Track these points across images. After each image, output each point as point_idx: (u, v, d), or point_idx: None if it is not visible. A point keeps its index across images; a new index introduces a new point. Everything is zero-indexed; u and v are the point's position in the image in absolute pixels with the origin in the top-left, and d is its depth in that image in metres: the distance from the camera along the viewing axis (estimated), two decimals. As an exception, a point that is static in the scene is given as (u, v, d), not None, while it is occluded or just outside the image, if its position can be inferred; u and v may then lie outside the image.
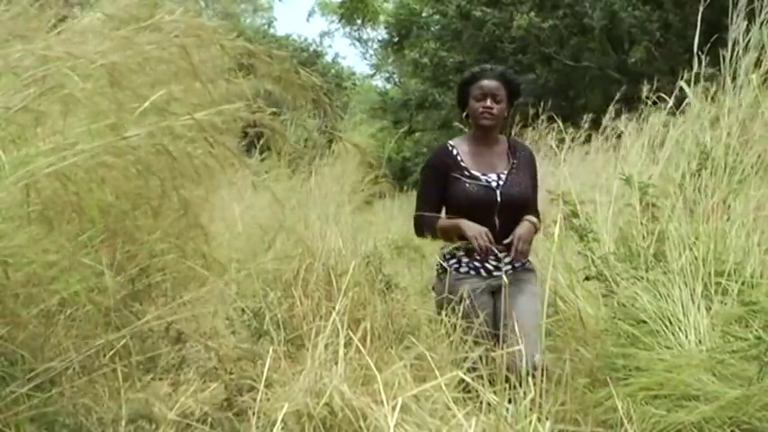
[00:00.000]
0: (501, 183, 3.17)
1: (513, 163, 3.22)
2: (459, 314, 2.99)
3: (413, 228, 3.41)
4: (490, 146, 3.24)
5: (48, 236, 2.41)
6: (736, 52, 4.73)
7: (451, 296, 3.06)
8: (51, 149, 2.38)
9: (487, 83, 3.17)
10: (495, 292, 3.16)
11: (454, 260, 3.20)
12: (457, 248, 3.16)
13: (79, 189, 2.44)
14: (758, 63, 4.69)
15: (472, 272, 3.17)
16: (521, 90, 3.32)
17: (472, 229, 3.06)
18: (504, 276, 2.83)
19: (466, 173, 3.17)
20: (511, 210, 3.12)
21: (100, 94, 2.60)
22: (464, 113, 3.27)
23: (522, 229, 3.10)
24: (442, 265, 3.25)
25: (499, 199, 3.13)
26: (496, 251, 3.08)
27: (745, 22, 4.72)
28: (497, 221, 3.12)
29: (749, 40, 4.68)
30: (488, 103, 3.15)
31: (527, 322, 2.93)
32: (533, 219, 3.16)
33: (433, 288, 3.37)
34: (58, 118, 2.52)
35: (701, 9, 4.81)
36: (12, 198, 2.30)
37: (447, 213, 3.27)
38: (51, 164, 2.31)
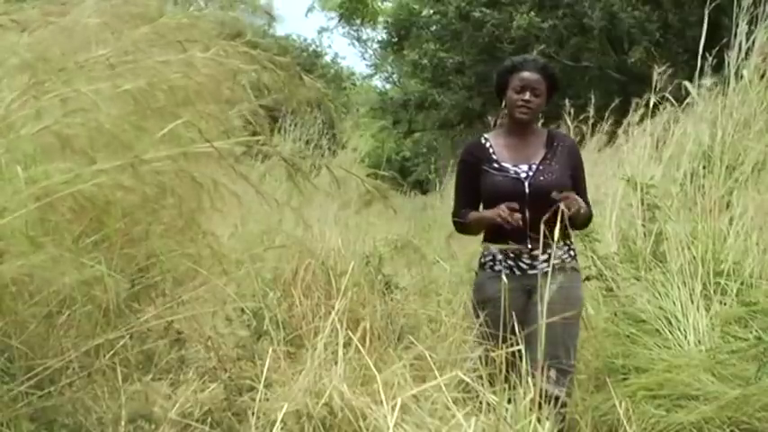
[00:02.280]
0: (530, 174, 3.07)
1: (547, 153, 3.11)
2: (487, 314, 2.91)
3: (453, 226, 3.32)
4: (526, 137, 3.15)
5: (51, 237, 2.41)
6: (739, 53, 4.74)
7: (486, 295, 2.99)
8: (67, 167, 2.37)
9: (528, 75, 3.08)
10: (530, 292, 3.01)
11: (489, 258, 3.13)
12: (493, 246, 3.06)
13: (95, 207, 2.45)
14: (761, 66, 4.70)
15: (506, 270, 3.05)
16: (560, 84, 3.24)
17: (492, 212, 2.97)
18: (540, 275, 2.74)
19: (495, 165, 3.10)
20: (541, 201, 2.92)
21: (125, 120, 2.60)
22: (502, 103, 3.20)
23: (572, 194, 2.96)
24: (479, 261, 3.19)
25: (527, 190, 3.03)
26: (519, 219, 2.92)
27: (747, 25, 4.72)
28: (528, 213, 2.96)
29: (753, 42, 4.69)
30: (527, 96, 3.07)
31: (559, 352, 2.89)
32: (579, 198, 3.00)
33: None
34: (83, 143, 2.51)
35: (706, 12, 4.81)
36: (26, 214, 2.29)
37: (483, 207, 3.16)
38: (67, 182, 2.31)
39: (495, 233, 3.03)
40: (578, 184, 3.15)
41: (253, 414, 2.70)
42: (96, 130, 2.50)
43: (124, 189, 2.51)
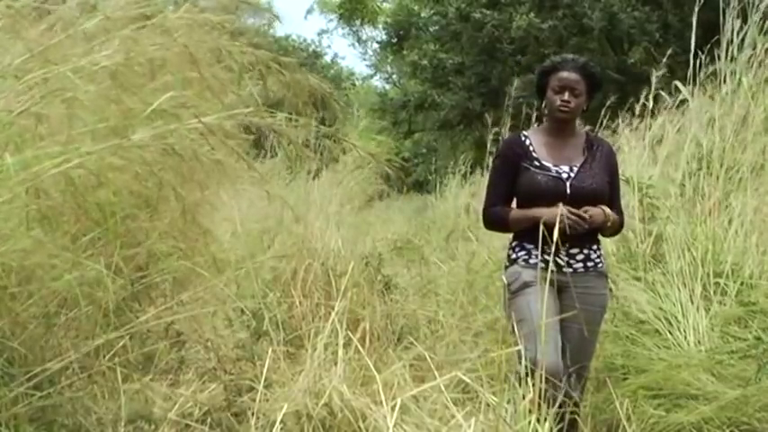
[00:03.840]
0: (572, 175, 3.05)
1: (588, 156, 3.10)
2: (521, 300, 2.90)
3: (482, 221, 3.27)
4: (566, 138, 3.14)
5: (50, 236, 2.41)
6: (730, 51, 4.74)
7: (524, 280, 2.94)
8: (57, 152, 2.37)
9: (567, 75, 3.06)
10: (560, 289, 3.00)
11: (524, 252, 3.08)
12: (527, 242, 3.04)
13: (85, 191, 2.44)
14: (751, 61, 4.71)
15: (541, 264, 2.97)
16: (602, 82, 3.20)
17: (548, 214, 2.90)
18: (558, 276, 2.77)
19: (536, 163, 3.07)
20: (581, 203, 2.97)
21: (104, 97, 2.60)
22: (542, 103, 3.17)
23: (595, 209, 2.97)
24: (509, 257, 3.15)
25: (569, 191, 3.01)
26: (581, 214, 2.92)
27: (739, 21, 4.72)
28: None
29: (743, 39, 4.69)
30: (566, 96, 3.04)
31: (581, 356, 2.92)
32: (607, 209, 3.00)
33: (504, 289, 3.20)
34: (62, 121, 2.51)
35: (695, 9, 4.80)
36: (16, 200, 2.30)
37: (517, 203, 3.13)
38: (57, 165, 2.30)
39: (532, 231, 2.91)
40: (613, 191, 3.15)
41: (253, 414, 2.71)
42: (77, 107, 2.50)
43: (114, 169, 2.50)
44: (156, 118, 2.61)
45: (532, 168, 3.04)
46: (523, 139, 3.14)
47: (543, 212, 2.93)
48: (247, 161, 3.39)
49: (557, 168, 3.05)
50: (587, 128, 3.36)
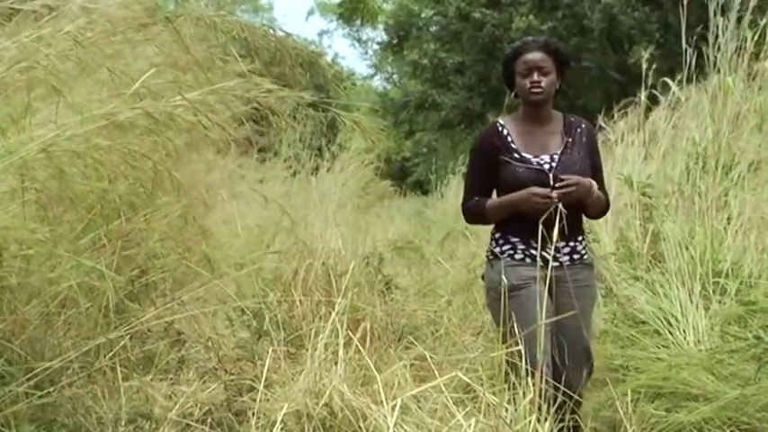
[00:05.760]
0: (554, 165, 2.97)
1: (568, 141, 3.02)
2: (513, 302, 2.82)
3: (462, 217, 3.19)
4: (543, 124, 3.06)
5: (43, 223, 2.41)
6: (717, 48, 4.74)
7: (511, 283, 2.80)
8: (42, 136, 2.37)
9: (531, 56, 2.98)
10: (551, 284, 2.87)
11: (509, 246, 3.00)
12: (512, 234, 2.97)
13: (72, 173, 2.44)
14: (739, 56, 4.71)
15: (528, 259, 2.95)
16: (569, 57, 3.13)
17: (522, 196, 2.86)
18: (552, 268, 2.74)
19: (516, 155, 2.98)
20: (565, 194, 2.87)
21: (65, 58, 2.58)
22: (513, 93, 3.08)
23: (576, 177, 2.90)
24: (492, 251, 3.05)
25: (552, 183, 2.92)
26: (567, 182, 2.85)
27: (723, 19, 4.72)
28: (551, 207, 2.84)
29: (726, 38, 4.69)
30: (535, 77, 2.96)
31: (577, 351, 2.90)
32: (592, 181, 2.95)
33: (483, 277, 3.14)
34: (22, 92, 2.51)
35: (684, 4, 4.80)
36: (6, 185, 2.30)
37: (498, 197, 3.04)
38: (43, 149, 2.30)
39: (517, 221, 2.93)
40: (597, 172, 3.08)
41: (253, 414, 2.71)
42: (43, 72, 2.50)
43: (100, 150, 2.50)
44: (140, 96, 2.61)
45: (513, 162, 2.95)
46: (500, 128, 3.04)
47: (514, 198, 2.89)
48: (233, 136, 3.33)
49: (537, 159, 2.96)
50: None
